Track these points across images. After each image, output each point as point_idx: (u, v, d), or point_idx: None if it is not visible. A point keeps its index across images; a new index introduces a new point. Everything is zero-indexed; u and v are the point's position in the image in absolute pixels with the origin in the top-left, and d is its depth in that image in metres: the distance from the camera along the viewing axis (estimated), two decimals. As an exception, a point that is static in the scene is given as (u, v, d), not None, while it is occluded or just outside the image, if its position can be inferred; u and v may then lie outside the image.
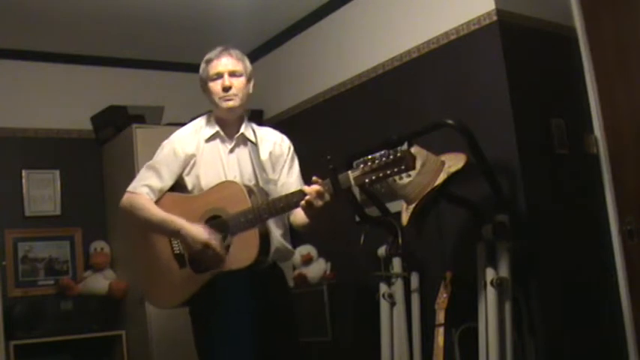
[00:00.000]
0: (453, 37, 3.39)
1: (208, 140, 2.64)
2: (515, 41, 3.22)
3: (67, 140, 4.46)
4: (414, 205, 2.84)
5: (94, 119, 4.45)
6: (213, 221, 2.52)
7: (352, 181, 2.26)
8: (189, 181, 2.62)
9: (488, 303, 2.83)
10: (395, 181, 2.87)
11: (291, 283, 3.68)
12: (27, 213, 4.28)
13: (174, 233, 2.51)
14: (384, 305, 3.37)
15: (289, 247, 2.71)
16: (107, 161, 4.51)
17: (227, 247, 2.47)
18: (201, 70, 2.66)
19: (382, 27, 3.81)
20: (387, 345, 3.32)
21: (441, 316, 2.98)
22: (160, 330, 3.93)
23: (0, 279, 4.04)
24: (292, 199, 2.39)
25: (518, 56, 3.21)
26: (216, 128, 2.65)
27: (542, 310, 3.00)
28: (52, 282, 4.25)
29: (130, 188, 2.62)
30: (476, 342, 2.90)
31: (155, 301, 2.77)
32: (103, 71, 4.62)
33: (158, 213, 2.54)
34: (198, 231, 2.46)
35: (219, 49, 2.64)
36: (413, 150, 2.82)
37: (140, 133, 4.13)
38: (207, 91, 2.64)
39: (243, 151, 2.66)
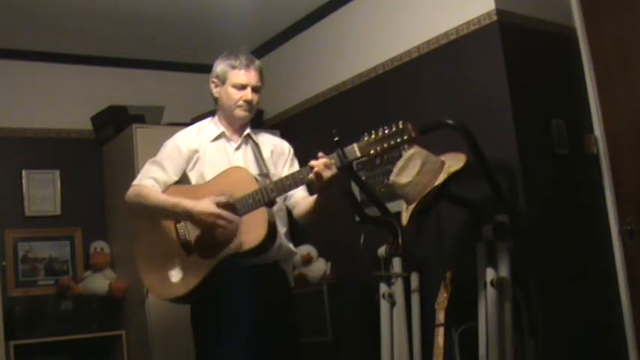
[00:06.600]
0: (453, 37, 3.39)
1: (214, 140, 2.72)
2: (515, 41, 3.22)
3: (67, 140, 4.46)
4: (414, 205, 2.84)
5: (94, 119, 4.45)
6: (222, 205, 2.54)
7: (358, 152, 2.32)
8: (193, 178, 2.69)
9: (488, 303, 2.83)
10: (395, 181, 2.88)
11: (292, 284, 3.69)
12: (27, 213, 4.28)
13: (185, 213, 2.52)
14: (384, 305, 3.36)
15: (291, 246, 2.76)
16: (107, 161, 4.50)
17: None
18: (220, 69, 2.70)
19: (382, 27, 3.81)
20: (387, 345, 3.32)
21: (441, 316, 2.98)
22: (160, 330, 3.93)
23: (0, 279, 4.04)
24: (299, 176, 2.43)
25: (518, 56, 3.21)
26: (222, 129, 2.73)
27: (542, 310, 3.00)
28: (52, 282, 4.25)
29: (135, 182, 2.68)
30: (476, 342, 2.90)
31: (161, 293, 2.69)
32: (103, 71, 4.62)
33: (166, 198, 2.59)
34: (208, 204, 2.49)
35: (246, 58, 2.69)
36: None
37: (140, 133, 4.13)
38: (222, 91, 2.70)
39: (248, 149, 2.74)
